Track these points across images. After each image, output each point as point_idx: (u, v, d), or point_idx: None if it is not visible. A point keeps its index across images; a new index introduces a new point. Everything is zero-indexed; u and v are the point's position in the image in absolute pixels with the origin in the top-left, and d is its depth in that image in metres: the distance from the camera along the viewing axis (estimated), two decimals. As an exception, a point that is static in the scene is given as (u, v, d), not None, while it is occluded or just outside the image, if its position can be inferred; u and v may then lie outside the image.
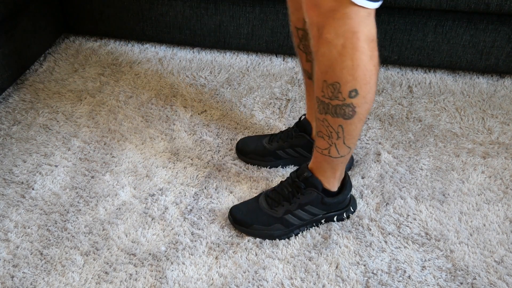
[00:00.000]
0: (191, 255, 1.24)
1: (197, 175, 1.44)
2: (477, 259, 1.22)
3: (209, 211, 1.34)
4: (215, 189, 1.40)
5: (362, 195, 1.38)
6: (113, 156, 1.51)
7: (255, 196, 1.32)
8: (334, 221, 1.29)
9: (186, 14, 1.85)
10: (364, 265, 1.21)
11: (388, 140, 1.55)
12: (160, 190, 1.40)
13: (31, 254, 1.25)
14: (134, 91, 1.76)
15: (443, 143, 1.53)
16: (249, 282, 1.18)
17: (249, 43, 1.87)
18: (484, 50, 1.72)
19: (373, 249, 1.24)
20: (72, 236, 1.29)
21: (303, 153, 1.41)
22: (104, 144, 1.55)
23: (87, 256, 1.24)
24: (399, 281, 1.18)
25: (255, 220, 1.26)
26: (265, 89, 1.76)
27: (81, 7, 1.92)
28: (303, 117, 1.41)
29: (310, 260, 1.22)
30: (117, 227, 1.31)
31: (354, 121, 1.05)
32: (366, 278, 1.19)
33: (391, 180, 1.42)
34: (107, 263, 1.22)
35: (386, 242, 1.26)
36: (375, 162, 1.47)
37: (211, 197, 1.38)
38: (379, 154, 1.50)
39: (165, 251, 1.25)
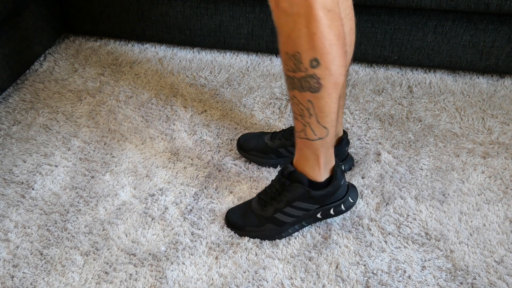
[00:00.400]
0: (191, 255, 1.24)
1: (197, 175, 1.44)
2: (477, 259, 1.22)
3: (209, 211, 1.34)
4: (215, 189, 1.40)
5: (362, 195, 1.38)
6: (113, 156, 1.51)
7: (251, 198, 1.31)
8: (332, 214, 1.25)
9: (186, 14, 1.85)
10: (364, 265, 1.21)
11: (388, 140, 1.55)
12: (160, 190, 1.40)
13: (31, 254, 1.25)
14: (134, 91, 1.76)
15: (443, 143, 1.53)
16: (249, 282, 1.18)
17: (249, 43, 1.87)
18: (484, 50, 1.72)
19: (373, 249, 1.24)
20: (72, 236, 1.29)
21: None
22: (104, 144, 1.55)
23: (87, 256, 1.24)
24: (399, 281, 1.18)
25: (247, 222, 1.26)
26: (265, 89, 1.76)
27: (81, 7, 1.92)
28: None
29: (310, 260, 1.22)
30: (117, 227, 1.31)
31: (322, 95, 1.03)
32: (366, 278, 1.19)
33: (391, 180, 1.42)
34: (107, 263, 1.22)
35: (386, 242, 1.26)
36: (375, 162, 1.47)
37: (211, 197, 1.38)
38: (379, 154, 1.50)
39: (165, 251, 1.25)
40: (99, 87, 1.78)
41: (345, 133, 1.40)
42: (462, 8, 1.61)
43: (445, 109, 1.66)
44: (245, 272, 1.20)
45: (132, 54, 1.94)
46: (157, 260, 1.23)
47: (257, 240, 1.26)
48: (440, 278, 1.19)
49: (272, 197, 1.24)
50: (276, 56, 1.91)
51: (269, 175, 1.43)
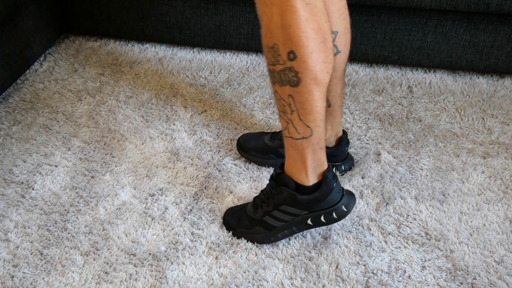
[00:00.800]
0: (191, 255, 1.24)
1: (197, 175, 1.44)
2: (477, 259, 1.22)
3: (209, 211, 1.34)
4: (215, 189, 1.40)
5: (362, 195, 1.38)
6: (113, 156, 1.51)
7: (251, 201, 1.30)
8: (324, 222, 1.18)
9: (186, 14, 1.85)
10: (364, 265, 1.21)
11: (388, 140, 1.55)
12: (160, 190, 1.40)
13: (31, 254, 1.25)
14: (134, 91, 1.76)
15: (443, 143, 1.53)
16: (249, 282, 1.18)
17: (249, 43, 1.87)
18: (484, 50, 1.72)
19: (373, 249, 1.24)
20: (72, 236, 1.29)
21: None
22: (104, 144, 1.55)
23: (87, 256, 1.24)
24: (399, 281, 1.18)
25: (238, 223, 1.27)
26: (265, 89, 1.76)
27: (81, 7, 1.92)
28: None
29: (310, 260, 1.22)
30: (117, 227, 1.31)
31: (302, 90, 1.02)
32: (366, 278, 1.19)
33: (391, 180, 1.42)
34: (107, 263, 1.22)
35: (386, 242, 1.26)
36: (375, 162, 1.47)
37: (211, 197, 1.38)
38: (379, 154, 1.50)
39: (165, 251, 1.25)
40: (99, 87, 1.78)
41: (344, 133, 1.40)
42: (462, 8, 1.61)
43: (445, 109, 1.66)
44: (245, 272, 1.20)
45: (132, 54, 1.94)
46: (157, 260, 1.23)
47: (257, 240, 1.27)
48: (440, 278, 1.19)
49: (262, 200, 1.23)
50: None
51: (268, 175, 1.43)
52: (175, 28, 1.89)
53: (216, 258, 1.23)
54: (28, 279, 1.20)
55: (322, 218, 1.18)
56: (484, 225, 1.30)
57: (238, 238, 1.27)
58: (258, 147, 1.45)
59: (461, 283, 1.17)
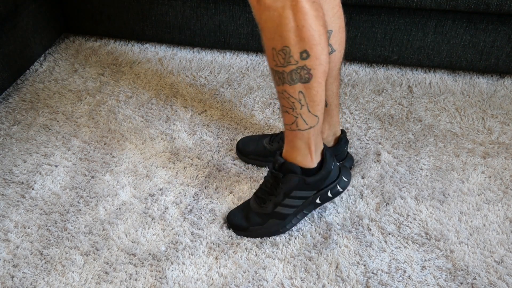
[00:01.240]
0: (191, 255, 1.24)
1: (197, 175, 1.44)
2: (477, 259, 1.22)
3: (209, 211, 1.34)
4: (215, 189, 1.40)
5: (362, 195, 1.38)
6: (113, 156, 1.51)
7: (249, 199, 1.31)
8: (330, 197, 1.25)
9: (186, 14, 1.85)
10: (364, 265, 1.21)
11: (388, 140, 1.55)
12: (160, 190, 1.40)
13: (31, 254, 1.25)
14: (134, 91, 1.76)
15: (443, 143, 1.53)
16: (249, 282, 1.18)
17: (249, 43, 1.87)
18: (484, 50, 1.72)
19: (373, 249, 1.24)
20: (72, 236, 1.29)
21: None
22: (104, 144, 1.55)
23: (87, 256, 1.24)
24: (399, 281, 1.18)
25: (250, 222, 1.26)
26: (265, 89, 1.76)
27: (81, 7, 1.92)
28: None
29: (310, 260, 1.22)
30: (117, 227, 1.31)
31: (313, 85, 1.05)
32: (366, 278, 1.19)
33: (391, 180, 1.42)
34: (107, 263, 1.22)
35: (386, 242, 1.26)
36: (375, 162, 1.47)
37: (211, 197, 1.38)
38: (379, 154, 1.50)
39: (165, 251, 1.25)
40: (99, 87, 1.78)
41: (343, 132, 1.40)
42: (462, 8, 1.61)
43: (445, 109, 1.66)
44: (245, 272, 1.20)
45: (132, 54, 1.94)
46: (157, 260, 1.23)
47: (257, 240, 1.26)
48: (440, 278, 1.19)
49: (268, 193, 1.24)
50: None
51: (269, 175, 1.44)
52: (175, 28, 1.89)
53: (216, 258, 1.23)
54: (28, 279, 1.20)
55: (329, 193, 1.25)
56: (484, 225, 1.30)
57: (253, 237, 1.26)
58: (257, 151, 1.45)
59: (461, 283, 1.17)
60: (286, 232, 1.28)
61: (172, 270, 1.21)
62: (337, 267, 1.21)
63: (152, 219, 1.33)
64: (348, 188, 1.39)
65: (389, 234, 1.28)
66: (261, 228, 1.26)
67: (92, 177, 1.45)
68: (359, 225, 1.30)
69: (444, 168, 1.45)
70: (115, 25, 1.94)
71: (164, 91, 1.76)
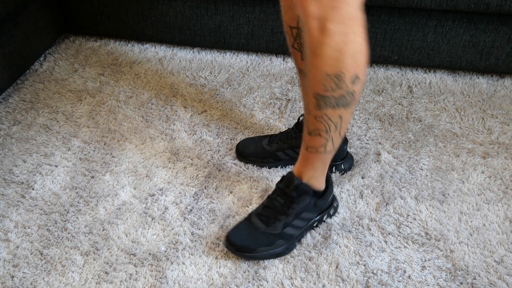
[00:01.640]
0: (191, 255, 1.24)
1: (197, 175, 1.44)
2: (477, 259, 1.22)
3: (209, 211, 1.34)
4: (215, 189, 1.40)
5: (362, 195, 1.38)
6: (113, 156, 1.51)
7: (246, 218, 1.26)
8: (324, 221, 1.29)
9: (186, 14, 1.85)
10: (364, 265, 1.21)
11: (388, 140, 1.55)
12: (160, 190, 1.40)
13: (31, 254, 1.25)
14: (134, 91, 1.76)
15: (443, 143, 1.53)
16: (249, 282, 1.18)
17: (249, 43, 1.87)
18: (484, 50, 1.72)
19: (373, 249, 1.24)
20: (72, 236, 1.29)
21: (303, 153, 1.41)
22: (104, 144, 1.55)
23: (87, 256, 1.24)
24: (399, 281, 1.18)
25: (257, 242, 1.21)
26: (265, 89, 1.76)
27: (81, 7, 1.93)
28: (301, 117, 1.41)
29: (310, 260, 1.22)
30: (117, 227, 1.31)
31: (352, 108, 1.05)
32: (366, 278, 1.19)
33: (391, 180, 1.42)
34: (107, 263, 1.22)
35: (386, 242, 1.26)
36: (375, 162, 1.47)
37: (211, 197, 1.38)
38: (379, 154, 1.50)
39: (165, 251, 1.25)
40: (99, 87, 1.78)
41: None
42: (462, 8, 1.61)
43: (445, 109, 1.66)
44: (245, 272, 1.20)
45: (132, 54, 1.94)
46: (157, 260, 1.23)
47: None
48: (440, 278, 1.19)
49: (279, 212, 1.21)
50: (276, 56, 1.91)
51: (269, 175, 1.43)
52: (175, 28, 1.89)
53: (216, 258, 1.23)
54: (28, 279, 1.20)
55: (324, 218, 1.28)
56: (484, 225, 1.30)
57: (260, 259, 1.21)
58: (256, 152, 1.45)
59: (461, 283, 1.17)
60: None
61: (172, 270, 1.21)
62: (337, 267, 1.21)
63: (152, 219, 1.33)
64: (348, 188, 1.39)
65: (389, 234, 1.28)
66: (269, 249, 1.21)
67: (92, 177, 1.45)
68: (359, 225, 1.30)
69: (444, 168, 1.45)
70: (115, 25, 1.94)
71: (164, 91, 1.76)
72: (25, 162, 1.49)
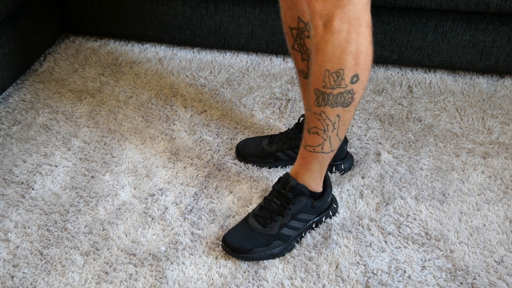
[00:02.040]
0: (191, 255, 1.24)
1: (197, 175, 1.44)
2: (477, 259, 1.22)
3: (209, 211, 1.34)
4: (215, 189, 1.40)
5: (362, 195, 1.38)
6: (113, 156, 1.51)
7: (243, 219, 1.27)
8: (323, 222, 1.29)
9: (186, 14, 1.85)
10: (364, 265, 1.21)
11: (388, 140, 1.55)
12: (160, 190, 1.40)
13: (31, 254, 1.25)
14: (134, 91, 1.76)
15: (443, 143, 1.53)
16: (249, 282, 1.18)
17: (249, 43, 1.87)
18: (484, 50, 1.72)
19: (373, 249, 1.24)
20: (72, 236, 1.29)
21: (303, 154, 1.41)
22: (104, 144, 1.55)
23: (87, 256, 1.24)
24: (399, 281, 1.18)
25: (253, 243, 1.21)
26: (265, 89, 1.76)
27: (81, 7, 1.93)
28: (302, 118, 1.41)
29: (310, 260, 1.22)
30: (117, 227, 1.31)
31: (351, 109, 1.06)
32: (366, 278, 1.19)
33: (391, 180, 1.42)
34: (107, 263, 1.22)
35: (386, 242, 1.26)
36: (375, 162, 1.47)
37: (211, 197, 1.38)
38: (379, 154, 1.50)
39: (165, 251, 1.25)
40: (99, 87, 1.78)
41: None
42: (462, 8, 1.61)
43: (445, 109, 1.66)
44: (245, 272, 1.20)
45: (132, 54, 1.94)
46: (157, 260, 1.23)
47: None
48: (440, 278, 1.19)
49: (275, 213, 1.22)
50: (276, 56, 1.91)
51: (269, 175, 1.43)
52: (175, 28, 1.89)
53: (216, 258, 1.23)
54: (28, 279, 1.20)
55: (323, 219, 1.28)
56: (484, 225, 1.30)
57: (256, 260, 1.21)
58: (256, 153, 1.45)
59: (461, 283, 1.17)
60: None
61: (172, 270, 1.21)
62: (337, 267, 1.21)
63: (152, 219, 1.33)
64: (348, 188, 1.39)
65: (389, 234, 1.28)
66: (266, 250, 1.21)
67: (92, 177, 1.45)
68: (359, 225, 1.30)
69: (444, 168, 1.45)
70: (115, 25, 1.94)
71: (164, 91, 1.76)
72: (25, 162, 1.49)
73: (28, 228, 1.31)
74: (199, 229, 1.30)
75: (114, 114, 1.66)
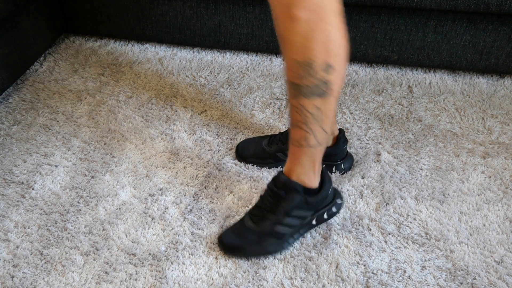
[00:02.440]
0: (191, 255, 1.24)
1: (197, 175, 1.44)
2: (477, 259, 1.22)
3: (209, 211, 1.34)
4: (215, 189, 1.40)
5: (362, 195, 1.38)
6: (113, 156, 1.51)
7: (240, 219, 1.27)
8: (325, 218, 1.26)
9: (186, 14, 1.85)
10: (364, 265, 1.21)
11: (388, 140, 1.55)
12: (160, 190, 1.40)
13: (31, 254, 1.25)
14: (134, 91, 1.76)
15: (443, 143, 1.53)
16: (249, 282, 1.18)
17: (249, 43, 1.87)
18: (484, 50, 1.72)
19: (373, 249, 1.24)
20: (72, 236, 1.29)
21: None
22: (104, 144, 1.55)
23: (87, 256, 1.24)
24: (399, 281, 1.18)
25: (246, 241, 1.22)
26: (265, 89, 1.76)
27: (81, 7, 1.93)
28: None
29: (310, 260, 1.22)
30: (117, 227, 1.31)
31: (330, 100, 1.04)
32: (366, 278, 1.19)
33: (391, 180, 1.42)
34: (107, 263, 1.22)
35: (386, 242, 1.26)
36: (375, 162, 1.47)
37: (211, 197, 1.38)
38: (379, 154, 1.50)
39: (165, 251, 1.25)
40: (99, 87, 1.78)
41: (341, 131, 1.39)
42: (462, 8, 1.61)
43: (445, 109, 1.66)
44: (245, 272, 1.20)
45: (132, 54, 1.94)
46: (157, 260, 1.23)
47: (257, 240, 1.26)
48: (440, 278, 1.19)
49: (268, 211, 1.21)
50: (276, 56, 1.91)
51: (269, 175, 1.43)
52: (175, 28, 1.89)
53: (216, 258, 1.23)
54: (28, 279, 1.20)
55: (325, 215, 1.25)
56: (484, 225, 1.30)
57: (248, 256, 1.22)
58: (256, 153, 1.45)
59: (461, 283, 1.17)
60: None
61: (172, 270, 1.21)
62: (337, 267, 1.21)
63: (152, 219, 1.33)
64: (348, 188, 1.39)
65: (389, 234, 1.28)
66: (258, 247, 1.21)
67: (92, 177, 1.45)
68: (359, 225, 1.30)
69: (444, 168, 1.45)
70: (115, 25, 1.94)
71: (164, 91, 1.76)
72: (25, 162, 1.49)
73: (28, 228, 1.31)
74: (199, 229, 1.30)
75: (114, 114, 1.66)
